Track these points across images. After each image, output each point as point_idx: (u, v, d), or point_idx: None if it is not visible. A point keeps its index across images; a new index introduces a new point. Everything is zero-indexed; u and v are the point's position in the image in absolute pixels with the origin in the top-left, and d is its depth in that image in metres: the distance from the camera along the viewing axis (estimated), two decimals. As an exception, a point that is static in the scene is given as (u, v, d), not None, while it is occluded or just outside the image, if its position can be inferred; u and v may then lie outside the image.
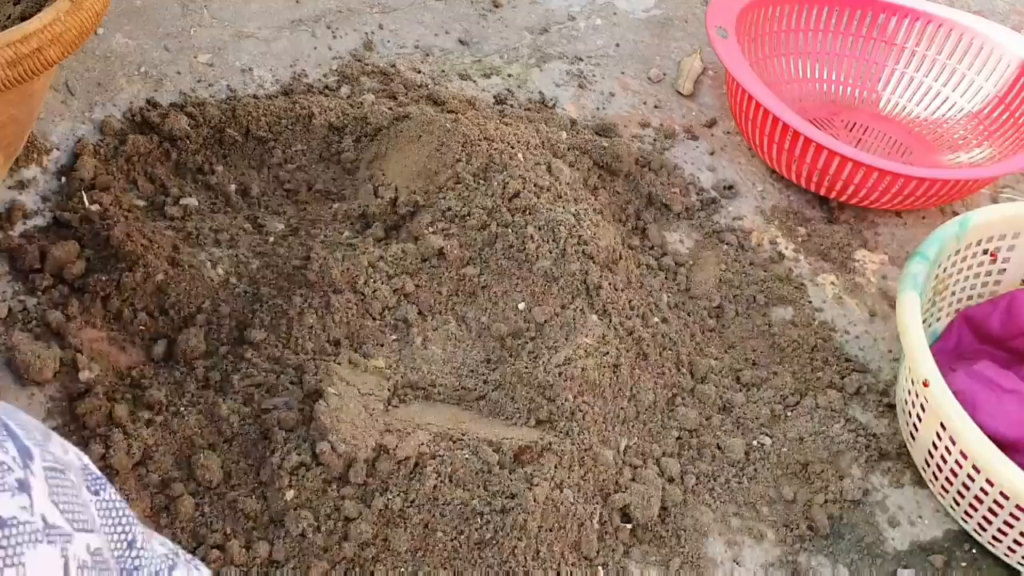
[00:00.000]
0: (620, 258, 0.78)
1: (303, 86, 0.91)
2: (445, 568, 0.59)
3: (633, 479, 0.67)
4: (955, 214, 0.87)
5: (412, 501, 0.60)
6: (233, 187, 0.81)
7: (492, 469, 0.63)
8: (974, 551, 0.69)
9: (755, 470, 0.70)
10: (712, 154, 0.97)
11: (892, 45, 1.06)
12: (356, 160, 0.84)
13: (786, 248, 0.89)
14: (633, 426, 0.70)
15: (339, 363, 0.67)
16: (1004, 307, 0.80)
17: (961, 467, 0.65)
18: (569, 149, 0.87)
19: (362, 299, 0.71)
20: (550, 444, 0.65)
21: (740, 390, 0.75)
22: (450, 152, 0.78)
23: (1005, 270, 0.83)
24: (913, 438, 0.71)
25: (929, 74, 1.05)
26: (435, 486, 0.61)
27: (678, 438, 0.71)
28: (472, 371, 0.71)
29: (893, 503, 0.71)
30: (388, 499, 0.60)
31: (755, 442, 0.72)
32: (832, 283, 0.86)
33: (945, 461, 0.67)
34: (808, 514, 0.68)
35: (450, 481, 0.62)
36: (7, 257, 0.69)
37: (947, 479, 0.68)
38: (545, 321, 0.72)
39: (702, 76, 1.06)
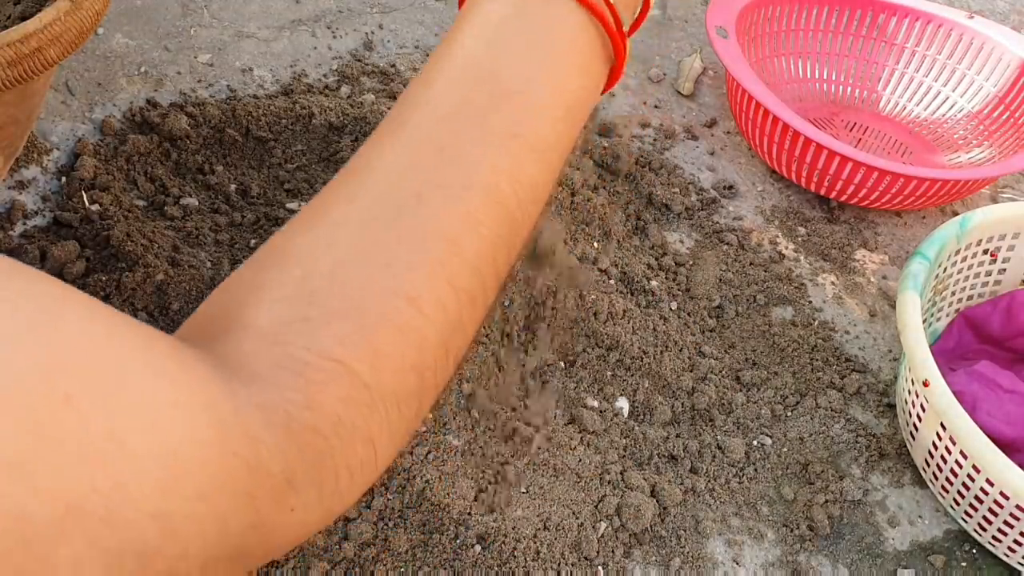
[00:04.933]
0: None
1: (303, 86, 0.91)
2: (445, 568, 0.59)
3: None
4: (955, 214, 0.87)
5: (411, 501, 0.60)
6: (233, 187, 0.81)
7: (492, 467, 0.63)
8: (974, 551, 0.69)
9: (755, 470, 0.70)
10: (712, 154, 0.97)
11: (892, 45, 1.06)
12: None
13: (786, 248, 0.89)
14: (633, 426, 0.70)
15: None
16: (1004, 307, 0.80)
17: (961, 467, 0.65)
18: (569, 149, 0.87)
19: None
20: (549, 442, 0.65)
21: (740, 390, 0.75)
22: None
23: (1005, 270, 0.82)
24: (913, 438, 0.71)
25: (929, 74, 1.05)
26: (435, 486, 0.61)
27: (678, 436, 0.71)
28: (472, 371, 0.71)
29: (893, 503, 0.71)
30: (388, 499, 0.60)
31: (755, 442, 0.72)
32: (832, 283, 0.86)
33: (945, 461, 0.67)
34: (808, 514, 0.68)
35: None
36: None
37: (947, 479, 0.68)
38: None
39: (702, 76, 1.06)
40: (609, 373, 0.73)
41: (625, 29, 0.42)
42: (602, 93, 0.43)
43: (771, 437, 0.73)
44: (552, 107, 0.38)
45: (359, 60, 0.96)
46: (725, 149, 0.98)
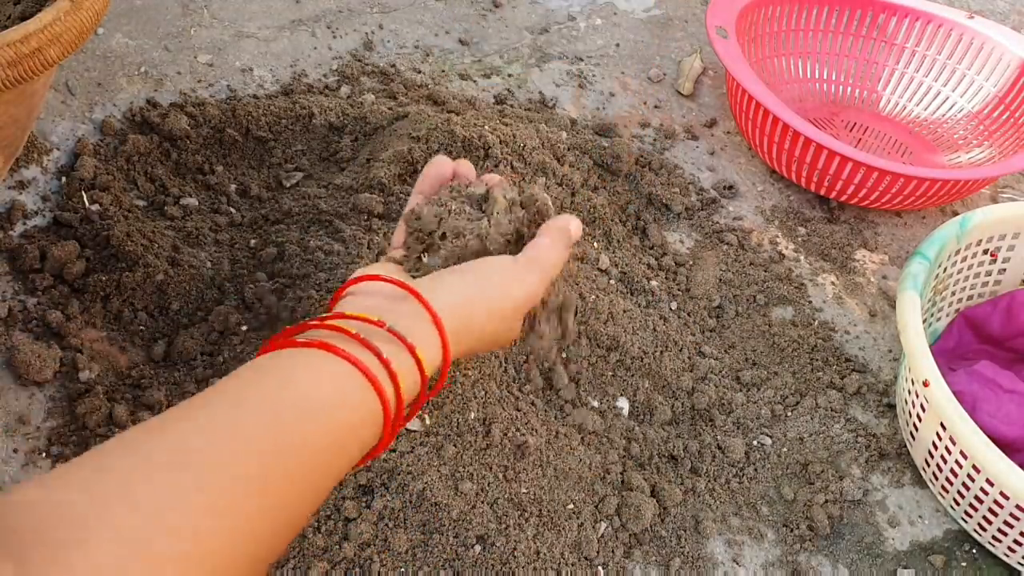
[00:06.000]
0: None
1: (303, 86, 0.91)
2: (445, 568, 0.59)
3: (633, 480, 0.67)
4: (955, 214, 0.87)
5: (411, 501, 0.60)
6: (233, 187, 0.81)
7: (492, 468, 0.63)
8: (974, 551, 0.69)
9: (755, 470, 0.70)
10: (712, 154, 0.97)
11: (892, 45, 1.06)
12: (352, 160, 0.84)
13: (786, 248, 0.89)
14: (633, 426, 0.70)
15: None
16: (1004, 307, 0.80)
17: (961, 467, 0.65)
18: (569, 149, 0.87)
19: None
20: (550, 443, 0.65)
21: (740, 390, 0.75)
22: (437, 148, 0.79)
23: (1005, 270, 0.82)
24: (913, 438, 0.71)
25: (929, 74, 1.05)
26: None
27: (678, 436, 0.71)
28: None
29: (893, 503, 0.71)
30: (388, 499, 0.60)
31: (755, 442, 0.72)
32: (832, 283, 0.86)
33: (945, 461, 0.67)
34: (808, 514, 0.68)
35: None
36: (7, 257, 0.69)
37: (947, 479, 0.68)
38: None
39: (702, 76, 1.06)
40: (609, 373, 0.73)
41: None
42: (368, 457, 0.47)
43: (771, 437, 0.73)
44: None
45: (359, 60, 0.96)
46: (725, 149, 0.98)
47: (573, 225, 0.58)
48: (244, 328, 0.69)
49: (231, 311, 0.69)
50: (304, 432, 0.41)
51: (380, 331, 0.48)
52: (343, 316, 0.48)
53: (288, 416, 0.41)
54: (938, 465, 0.68)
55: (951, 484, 0.67)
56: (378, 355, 0.46)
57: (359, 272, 0.54)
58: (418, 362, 0.48)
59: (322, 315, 0.49)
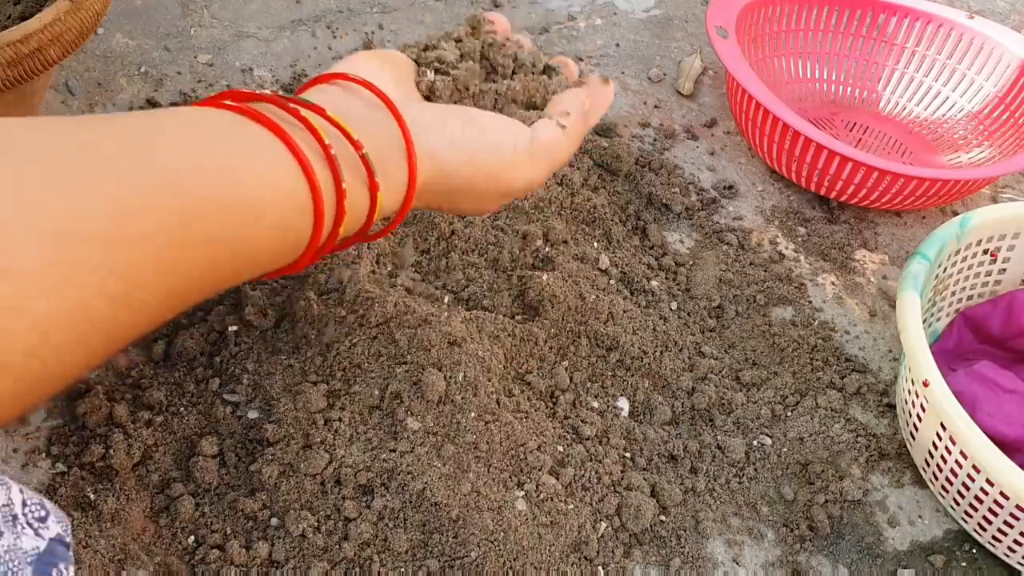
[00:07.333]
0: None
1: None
2: (445, 568, 0.59)
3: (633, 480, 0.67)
4: (955, 214, 0.87)
5: (411, 501, 0.60)
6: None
7: (491, 468, 0.63)
8: (974, 551, 0.69)
9: (755, 470, 0.70)
10: (712, 154, 0.97)
11: (892, 45, 1.06)
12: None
13: (786, 248, 0.89)
14: (633, 426, 0.70)
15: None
16: (1004, 307, 0.80)
17: (961, 467, 0.65)
18: (569, 149, 0.87)
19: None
20: (550, 442, 0.65)
21: (740, 390, 0.75)
22: None
23: (1005, 270, 0.82)
24: (913, 438, 0.71)
25: (929, 74, 1.05)
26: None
27: (678, 436, 0.71)
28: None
29: (893, 503, 0.71)
30: (388, 499, 0.60)
31: (755, 442, 0.72)
32: (832, 283, 0.86)
33: (945, 461, 0.67)
34: (808, 514, 0.68)
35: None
36: (7, 257, 0.69)
37: (947, 479, 0.68)
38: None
39: (702, 76, 1.06)
40: (609, 373, 0.73)
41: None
42: (299, 264, 0.41)
43: (771, 437, 0.73)
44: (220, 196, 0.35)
45: (359, 60, 0.96)
46: (725, 149, 0.98)
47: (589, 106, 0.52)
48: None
49: (231, 311, 0.69)
50: (218, 194, 0.34)
51: (353, 154, 0.41)
52: (322, 113, 0.41)
53: (205, 165, 0.34)
54: (938, 465, 0.68)
55: (951, 484, 0.67)
56: (338, 183, 0.39)
57: (348, 68, 0.46)
58: (373, 204, 0.41)
59: (296, 96, 0.42)
